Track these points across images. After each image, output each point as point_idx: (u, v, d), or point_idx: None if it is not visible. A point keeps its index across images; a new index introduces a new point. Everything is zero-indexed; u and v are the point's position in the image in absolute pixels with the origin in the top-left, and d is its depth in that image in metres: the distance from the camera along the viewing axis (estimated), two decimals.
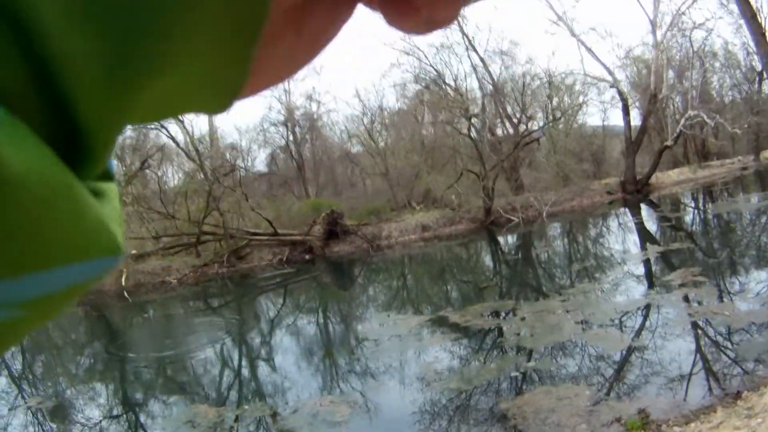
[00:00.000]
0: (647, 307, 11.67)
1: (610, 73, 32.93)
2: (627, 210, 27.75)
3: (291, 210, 33.81)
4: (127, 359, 15.71)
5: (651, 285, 13.66)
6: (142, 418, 10.98)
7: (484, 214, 29.53)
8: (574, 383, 8.27)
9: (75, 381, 14.45)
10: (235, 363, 13.87)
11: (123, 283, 27.91)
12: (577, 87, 34.84)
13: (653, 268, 15.37)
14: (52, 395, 13.05)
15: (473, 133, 31.61)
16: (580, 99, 35.16)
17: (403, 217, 31.49)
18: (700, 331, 9.67)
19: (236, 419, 9.49)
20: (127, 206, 28.84)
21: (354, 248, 28.76)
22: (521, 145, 32.77)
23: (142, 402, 11.99)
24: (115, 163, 0.38)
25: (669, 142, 32.34)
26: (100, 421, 10.77)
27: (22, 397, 13.37)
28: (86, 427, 10.49)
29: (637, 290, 13.47)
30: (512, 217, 28.90)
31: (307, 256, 28.66)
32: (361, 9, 0.34)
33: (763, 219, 20.44)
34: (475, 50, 32.78)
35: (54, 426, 10.90)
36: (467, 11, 31.70)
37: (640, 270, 15.52)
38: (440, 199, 32.24)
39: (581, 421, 6.97)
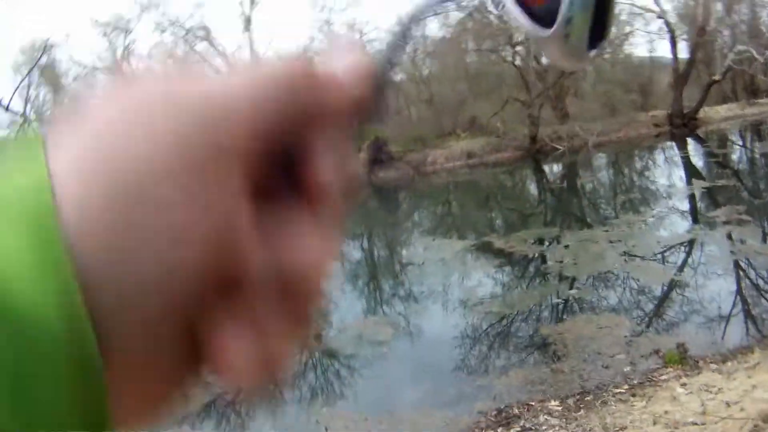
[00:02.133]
0: (690, 242, 11.63)
1: (657, 2, 32.02)
2: (674, 144, 27.31)
3: None
4: None
5: (695, 220, 13.52)
6: None
7: (529, 141, 29.38)
8: (615, 314, 8.38)
9: None
10: None
11: None
12: (623, 17, 33.92)
13: (698, 204, 15.21)
14: None
15: (518, 62, 31.25)
16: (627, 29, 34.27)
17: (448, 144, 31.45)
18: (741, 272, 9.69)
19: None
20: None
21: (399, 174, 28.82)
22: (567, 73, 32.26)
23: None
24: None
25: (717, 77, 31.51)
26: None
27: None
28: None
29: (681, 225, 13.33)
30: (558, 146, 28.73)
31: None
32: None
33: None
34: None
35: None
36: None
37: (685, 205, 15.43)
38: (486, 127, 32.05)
39: (620, 350, 7.15)
